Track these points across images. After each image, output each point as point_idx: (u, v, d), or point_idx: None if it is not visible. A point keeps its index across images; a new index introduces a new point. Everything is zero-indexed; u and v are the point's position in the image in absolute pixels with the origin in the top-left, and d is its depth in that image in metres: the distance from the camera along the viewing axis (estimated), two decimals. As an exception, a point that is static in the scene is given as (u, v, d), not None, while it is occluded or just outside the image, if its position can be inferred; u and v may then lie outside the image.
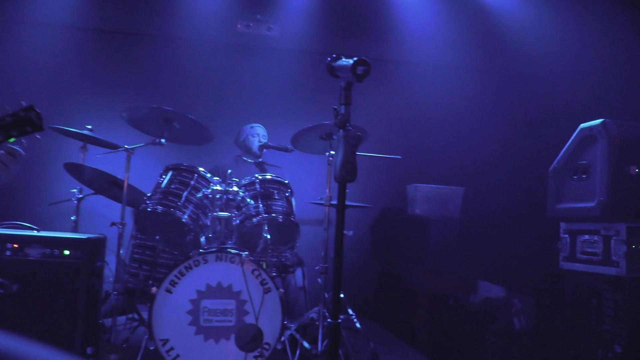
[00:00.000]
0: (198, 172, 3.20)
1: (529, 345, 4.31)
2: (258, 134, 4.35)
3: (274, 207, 3.19)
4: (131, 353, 2.96)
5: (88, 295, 2.78)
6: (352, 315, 3.64)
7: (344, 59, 1.77)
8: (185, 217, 3.05)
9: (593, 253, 3.27)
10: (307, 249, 3.98)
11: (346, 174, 1.69)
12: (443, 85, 5.40)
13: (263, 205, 3.18)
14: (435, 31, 5.18)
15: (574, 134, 3.43)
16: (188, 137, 3.60)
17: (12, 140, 1.90)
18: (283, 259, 3.44)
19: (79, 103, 4.81)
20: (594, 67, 4.23)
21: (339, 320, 1.63)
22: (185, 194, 3.11)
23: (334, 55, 1.82)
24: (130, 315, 3.54)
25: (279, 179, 3.35)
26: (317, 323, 3.29)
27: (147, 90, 4.93)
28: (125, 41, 5.09)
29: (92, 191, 3.73)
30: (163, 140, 3.33)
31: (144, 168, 3.92)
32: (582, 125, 3.37)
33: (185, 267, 2.84)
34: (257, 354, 2.83)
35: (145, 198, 3.17)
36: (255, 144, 4.31)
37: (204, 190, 3.12)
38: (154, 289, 2.78)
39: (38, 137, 1.96)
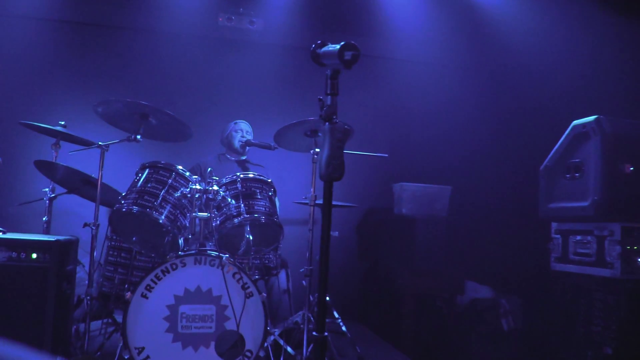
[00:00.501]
0: (176, 171, 3.08)
1: (517, 347, 4.27)
2: (241, 129, 4.29)
3: (256, 207, 3.08)
4: (105, 362, 2.84)
5: (57, 301, 2.68)
6: (337, 318, 3.60)
7: (330, 45, 1.64)
8: (163, 217, 2.91)
9: (586, 254, 3.20)
10: (291, 250, 3.91)
11: (332, 171, 1.56)
12: (430, 82, 5.36)
13: (245, 205, 3.06)
14: (422, 27, 5.12)
15: (567, 131, 3.36)
16: (165, 133, 3.47)
17: None
18: (266, 261, 3.35)
19: (51, 98, 4.68)
20: (586, 62, 4.17)
21: (326, 334, 1.50)
22: (162, 193, 2.98)
23: (319, 42, 1.68)
24: (106, 320, 3.40)
25: (261, 177, 3.24)
26: (301, 327, 3.21)
27: (124, 85, 4.81)
28: (101, 34, 4.95)
29: (65, 190, 3.61)
30: (139, 137, 3.20)
31: (120, 166, 3.83)
32: (575, 122, 3.29)
33: (162, 271, 2.74)
34: (239, 361, 2.73)
35: (120, 198, 3.02)
36: (237, 140, 4.23)
37: (182, 189, 3.01)
38: (128, 294, 2.66)
39: None
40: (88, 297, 3.10)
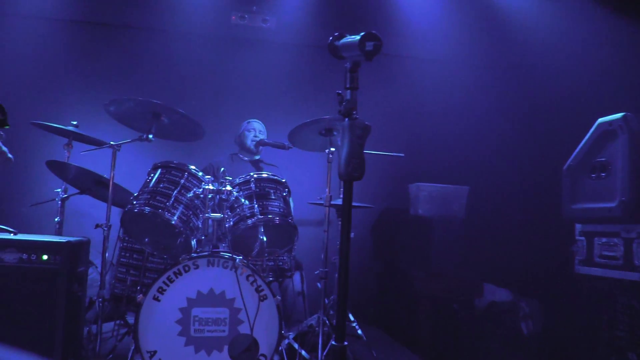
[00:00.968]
0: (189, 171, 3.03)
1: (537, 352, 4.18)
2: (254, 128, 4.25)
3: (270, 208, 3.02)
4: (116, 365, 2.80)
5: (68, 303, 2.64)
6: (353, 321, 3.55)
7: (349, 37, 1.55)
8: (175, 218, 2.86)
9: (612, 257, 3.08)
10: (305, 252, 3.86)
11: (352, 170, 1.48)
12: (447, 80, 5.27)
13: (258, 206, 3.00)
14: (438, 24, 5.03)
15: (592, 129, 3.24)
16: (178, 133, 3.44)
17: None
18: (280, 263, 3.29)
19: (63, 98, 4.68)
20: (608, 59, 4.04)
21: (345, 343, 1.41)
22: (174, 193, 2.93)
23: (337, 34, 1.60)
24: (119, 322, 3.37)
25: (275, 177, 3.18)
26: (317, 330, 3.16)
27: (136, 85, 4.78)
28: (112, 34, 4.95)
29: (77, 190, 3.59)
30: (151, 136, 3.16)
31: (132, 166, 3.79)
32: (601, 119, 3.17)
33: (175, 273, 2.69)
34: (252, 366, 2.67)
35: (131, 198, 2.98)
36: (250, 139, 4.17)
37: (195, 189, 2.96)
38: (140, 297, 2.60)
39: (1, 133, 1.78)
40: (100, 299, 3.08)
